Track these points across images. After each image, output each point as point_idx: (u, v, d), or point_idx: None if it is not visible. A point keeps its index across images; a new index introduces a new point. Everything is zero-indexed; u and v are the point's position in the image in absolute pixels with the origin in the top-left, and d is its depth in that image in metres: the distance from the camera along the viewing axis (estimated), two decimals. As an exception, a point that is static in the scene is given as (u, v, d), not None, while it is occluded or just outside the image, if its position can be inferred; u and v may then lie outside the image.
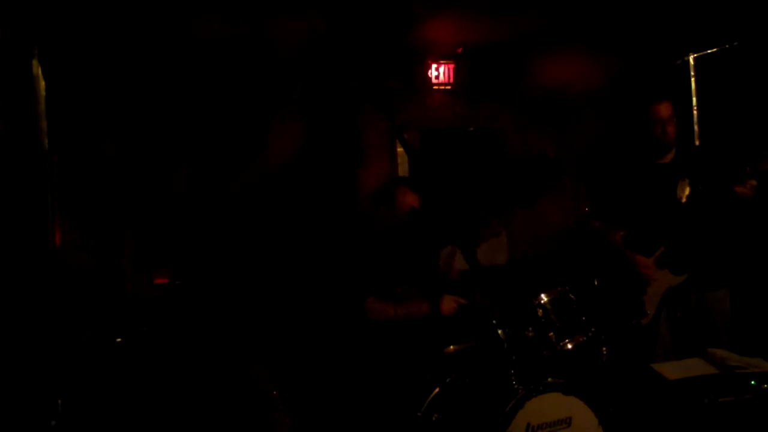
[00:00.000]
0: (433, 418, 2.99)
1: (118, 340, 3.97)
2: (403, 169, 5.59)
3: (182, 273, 4.72)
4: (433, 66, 5.67)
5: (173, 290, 4.65)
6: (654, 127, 3.64)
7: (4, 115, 2.46)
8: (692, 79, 5.00)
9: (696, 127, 4.96)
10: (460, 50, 5.64)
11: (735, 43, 4.65)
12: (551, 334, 3.20)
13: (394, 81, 5.42)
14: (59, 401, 3.07)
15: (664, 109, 3.65)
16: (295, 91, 5.12)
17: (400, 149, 5.50)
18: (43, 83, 3.37)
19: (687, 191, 3.61)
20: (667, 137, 3.66)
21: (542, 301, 3.26)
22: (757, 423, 2.77)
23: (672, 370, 3.03)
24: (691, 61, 5.00)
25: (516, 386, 2.85)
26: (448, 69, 5.72)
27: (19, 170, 2.56)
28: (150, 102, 4.80)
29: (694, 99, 4.99)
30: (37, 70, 3.11)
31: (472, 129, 5.85)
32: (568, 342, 3.20)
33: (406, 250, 3.57)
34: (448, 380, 3.10)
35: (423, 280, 3.47)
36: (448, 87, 5.74)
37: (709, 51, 4.87)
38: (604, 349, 3.30)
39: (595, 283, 3.81)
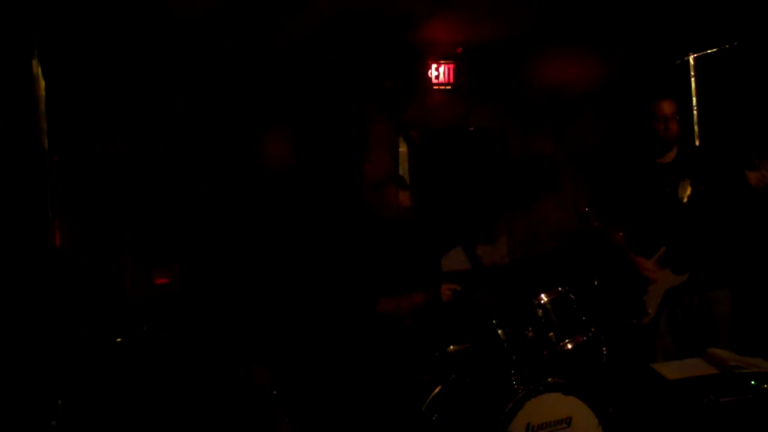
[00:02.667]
0: (433, 418, 2.99)
1: (118, 340, 3.97)
2: (403, 168, 5.58)
3: (184, 273, 4.72)
4: (433, 66, 5.66)
5: (174, 290, 4.65)
6: (657, 123, 3.63)
7: (4, 115, 2.46)
8: (692, 79, 5.00)
9: (696, 127, 4.96)
10: (460, 50, 5.64)
11: (735, 43, 4.65)
12: (551, 334, 3.20)
13: (394, 81, 5.42)
14: (59, 401, 3.06)
15: (668, 107, 3.64)
16: (298, 90, 5.11)
17: (401, 149, 5.49)
18: (43, 83, 3.37)
19: (688, 191, 3.61)
20: (670, 135, 3.65)
21: (542, 301, 3.26)
22: (757, 423, 2.77)
23: (672, 370, 3.03)
24: (691, 61, 4.99)
25: (516, 386, 2.85)
26: (448, 69, 5.71)
27: (19, 170, 2.56)
28: (150, 102, 4.80)
29: (694, 99, 4.99)
30: (37, 70, 3.11)
31: (472, 129, 5.84)
32: (568, 342, 3.21)
33: (407, 248, 3.57)
34: (448, 380, 3.10)
35: (423, 272, 3.47)
36: (448, 87, 5.73)
37: (709, 51, 4.87)
38: (604, 349, 3.30)
39: (595, 283, 3.81)
